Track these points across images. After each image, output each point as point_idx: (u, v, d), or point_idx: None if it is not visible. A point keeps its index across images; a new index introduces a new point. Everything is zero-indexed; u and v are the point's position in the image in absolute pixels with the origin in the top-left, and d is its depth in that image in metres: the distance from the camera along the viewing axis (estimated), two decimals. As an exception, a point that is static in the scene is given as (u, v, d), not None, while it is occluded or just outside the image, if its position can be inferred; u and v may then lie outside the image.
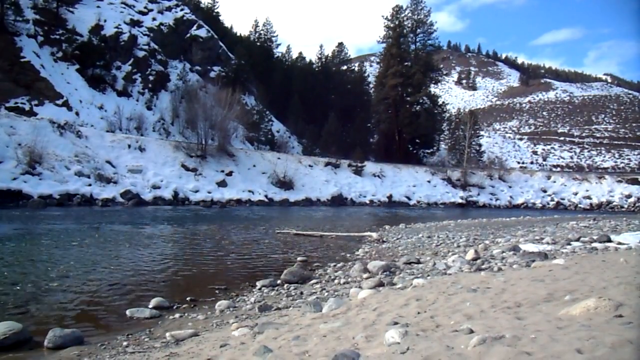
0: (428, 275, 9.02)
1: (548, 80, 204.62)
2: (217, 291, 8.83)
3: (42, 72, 44.46)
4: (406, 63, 67.94)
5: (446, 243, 15.00)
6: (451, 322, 4.32)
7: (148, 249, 13.67)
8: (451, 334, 3.88)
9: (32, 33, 47.75)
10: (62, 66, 48.33)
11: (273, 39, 78.05)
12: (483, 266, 9.61)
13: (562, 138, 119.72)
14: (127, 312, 7.19)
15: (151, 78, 55.56)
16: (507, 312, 4.52)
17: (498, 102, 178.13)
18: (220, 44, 69.54)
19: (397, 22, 68.07)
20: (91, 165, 32.10)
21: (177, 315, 7.20)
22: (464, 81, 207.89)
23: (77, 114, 43.81)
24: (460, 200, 50.32)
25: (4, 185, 26.18)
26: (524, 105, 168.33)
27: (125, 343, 5.82)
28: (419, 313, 4.93)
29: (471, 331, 3.82)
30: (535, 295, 5.13)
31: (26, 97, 41.80)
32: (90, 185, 30.12)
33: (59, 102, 43.34)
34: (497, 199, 52.07)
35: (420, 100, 67.28)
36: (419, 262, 11.15)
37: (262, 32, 77.33)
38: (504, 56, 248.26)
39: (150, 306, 7.55)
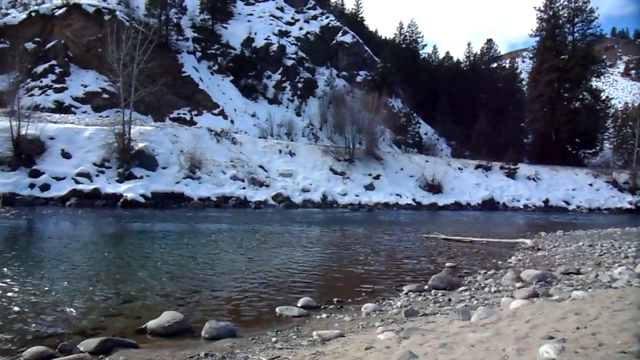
0: (589, 288, 7.91)
1: None
2: (363, 294, 8.83)
3: (200, 84, 47.91)
4: (562, 56, 62.92)
5: (611, 253, 13.19)
6: (617, 342, 3.70)
7: (298, 250, 13.91)
8: (617, 355, 3.42)
9: (192, 50, 51.75)
10: (217, 78, 51.70)
11: (418, 39, 76.77)
12: (657, 281, 8.16)
13: None
14: (277, 309, 7.44)
15: (300, 85, 57.52)
16: (690, 334, 3.69)
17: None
18: (366, 48, 70.15)
19: (551, 13, 63.42)
20: (245, 170, 33.56)
21: (324, 316, 7.31)
22: (632, 72, 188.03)
23: (232, 121, 46.47)
24: (628, 206, 45.22)
25: (169, 188, 28.26)
26: None
27: (274, 339, 5.97)
28: (577, 328, 4.32)
29: (643, 353, 3.12)
30: None
31: (187, 108, 45.31)
32: (244, 188, 31.43)
33: (216, 111, 46.37)
34: (675, 204, 46.18)
35: (580, 96, 62.06)
36: (578, 273, 9.95)
37: (407, 33, 76.43)
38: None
39: (298, 305, 7.75)
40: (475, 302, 7.84)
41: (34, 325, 6.16)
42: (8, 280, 8.44)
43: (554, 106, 62.12)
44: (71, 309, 6.94)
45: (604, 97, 66.47)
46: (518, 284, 8.99)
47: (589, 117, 59.56)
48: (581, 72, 61.09)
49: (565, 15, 63.81)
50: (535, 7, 65.34)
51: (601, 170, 51.84)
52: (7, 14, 48.34)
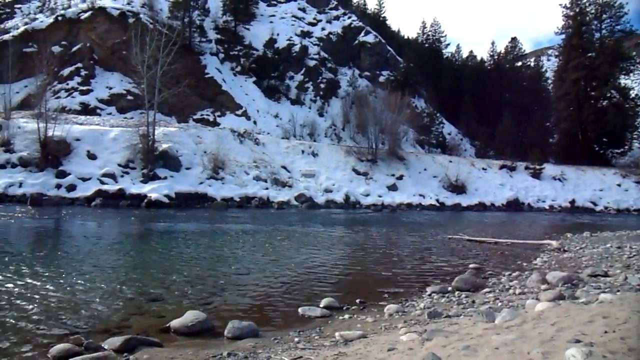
0: (617, 291, 7.72)
1: None
2: (386, 295, 8.78)
3: (223, 86, 48.25)
4: (590, 54, 61.50)
5: (641, 255, 12.95)
6: (648, 347, 3.58)
7: (320, 251, 13.88)
8: (647, 360, 3.36)
9: (214, 51, 52.20)
10: (240, 79, 52.00)
11: (441, 39, 76.05)
12: (691, 284, 7.92)
13: None
14: (299, 309, 7.48)
15: (322, 86, 57.53)
16: None
17: None
18: (388, 48, 69.90)
19: (577, 10, 62.00)
20: (268, 170, 33.65)
21: (346, 316, 7.30)
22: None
23: (254, 122, 46.69)
24: (659, 207, 44.22)
25: (192, 188, 28.45)
26: None
27: (296, 339, 5.98)
28: (605, 332, 4.20)
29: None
30: None
31: (210, 109, 45.71)
32: (267, 189, 31.50)
33: (239, 112, 46.64)
34: None
35: (608, 95, 60.48)
36: (606, 275, 9.70)
37: (429, 33, 75.81)
38: None
39: (321, 305, 7.74)
40: (500, 304, 7.73)
41: (59, 323, 6.24)
42: (34, 279, 8.53)
43: (580, 105, 60.81)
44: (96, 308, 7.04)
45: (633, 95, 64.81)
46: (543, 286, 8.85)
47: (617, 116, 58.02)
48: (609, 70, 59.57)
49: (593, 11, 62.30)
50: (561, 4, 63.85)
51: (630, 170, 50.58)
52: (35, 19, 49.30)
